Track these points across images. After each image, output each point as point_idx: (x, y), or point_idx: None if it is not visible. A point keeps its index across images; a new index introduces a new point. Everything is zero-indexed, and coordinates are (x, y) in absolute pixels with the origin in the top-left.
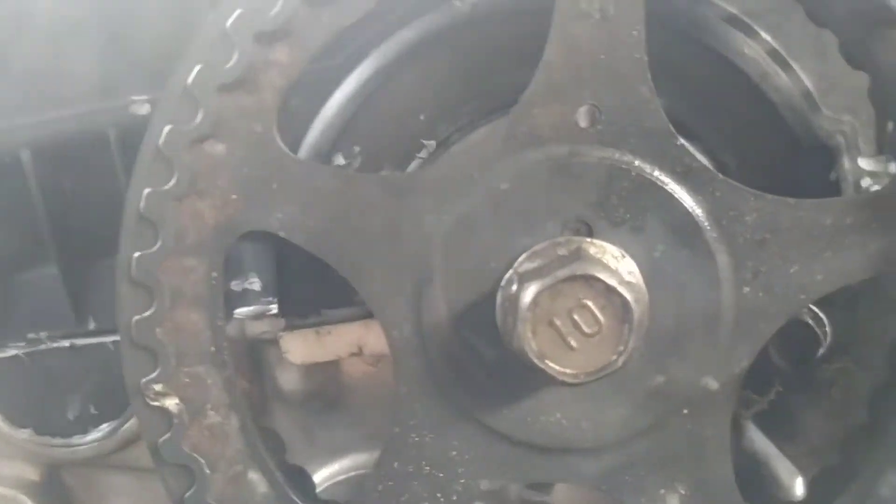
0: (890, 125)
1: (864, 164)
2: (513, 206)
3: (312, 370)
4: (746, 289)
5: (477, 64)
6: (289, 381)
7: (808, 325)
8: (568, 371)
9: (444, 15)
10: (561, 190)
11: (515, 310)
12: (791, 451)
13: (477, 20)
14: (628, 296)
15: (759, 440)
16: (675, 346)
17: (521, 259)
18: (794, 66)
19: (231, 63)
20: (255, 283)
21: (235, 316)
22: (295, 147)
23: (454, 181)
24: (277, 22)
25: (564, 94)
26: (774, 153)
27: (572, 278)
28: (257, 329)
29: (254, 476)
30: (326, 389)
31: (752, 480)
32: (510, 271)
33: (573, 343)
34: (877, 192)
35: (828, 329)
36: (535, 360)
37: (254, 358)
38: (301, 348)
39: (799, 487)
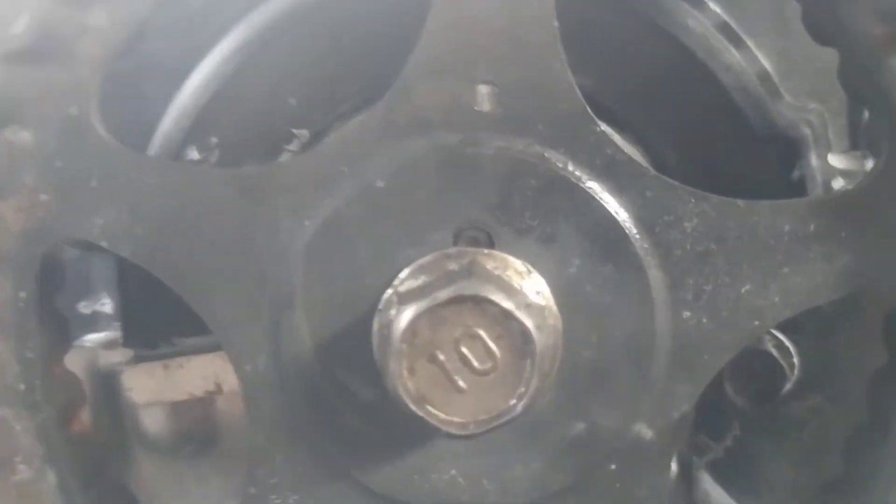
0: (865, 113)
1: (835, 160)
2: (392, 209)
3: (180, 408)
4: (687, 313)
5: (360, 36)
6: (152, 421)
7: (770, 355)
8: (455, 420)
9: None
10: (452, 189)
11: (388, 341)
12: None
13: None
14: (528, 323)
15: (715, 494)
16: (598, 385)
17: (402, 275)
18: (749, 41)
19: (21, 27)
20: (105, 305)
21: (84, 344)
22: (146, 142)
23: (319, 178)
24: None
25: (454, 70)
26: (724, 147)
27: (458, 300)
28: (111, 359)
29: None
30: (198, 430)
31: None
32: (389, 291)
33: (461, 383)
34: (845, 191)
35: (795, 360)
36: (413, 406)
37: (109, 394)
38: (146, 385)
39: None
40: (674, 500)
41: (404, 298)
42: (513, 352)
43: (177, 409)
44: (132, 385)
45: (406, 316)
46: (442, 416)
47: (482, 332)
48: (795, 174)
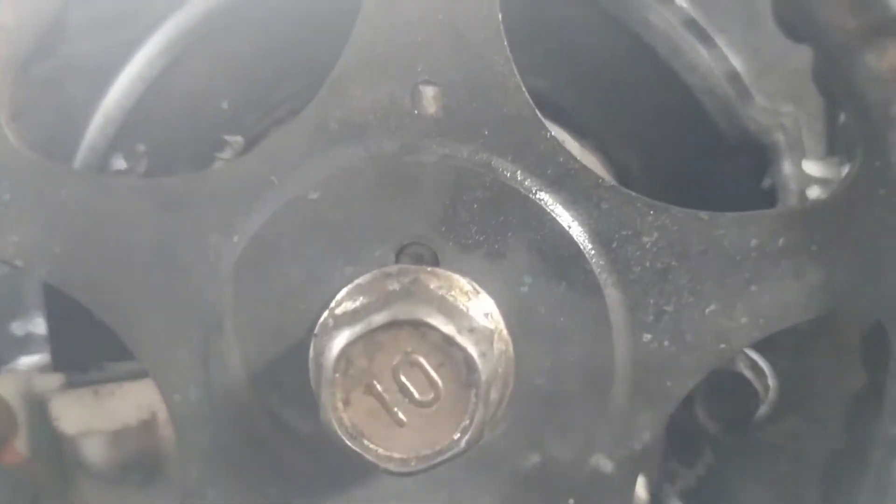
0: (842, 116)
1: (810, 167)
2: (327, 224)
3: (122, 439)
4: (647, 335)
5: (297, 33)
6: (92, 451)
7: (743, 377)
8: (394, 455)
9: None
10: (392, 201)
11: (321, 369)
12: None
13: None
14: (472, 349)
15: None
16: (553, 414)
17: (339, 296)
18: (718, 39)
19: None
20: (39, 326)
21: (17, 367)
22: (72, 151)
23: (247, 190)
24: None
25: (390, 68)
26: (690, 154)
27: (395, 325)
28: (47, 384)
29: None
30: (142, 460)
31: None
32: (325, 313)
33: (401, 416)
34: (815, 202)
35: (770, 381)
36: (348, 441)
37: (45, 421)
38: (76, 414)
39: None
40: None
41: (340, 322)
42: (456, 381)
43: (116, 437)
44: (60, 414)
45: (339, 342)
46: (380, 451)
47: (422, 360)
48: (766, 182)
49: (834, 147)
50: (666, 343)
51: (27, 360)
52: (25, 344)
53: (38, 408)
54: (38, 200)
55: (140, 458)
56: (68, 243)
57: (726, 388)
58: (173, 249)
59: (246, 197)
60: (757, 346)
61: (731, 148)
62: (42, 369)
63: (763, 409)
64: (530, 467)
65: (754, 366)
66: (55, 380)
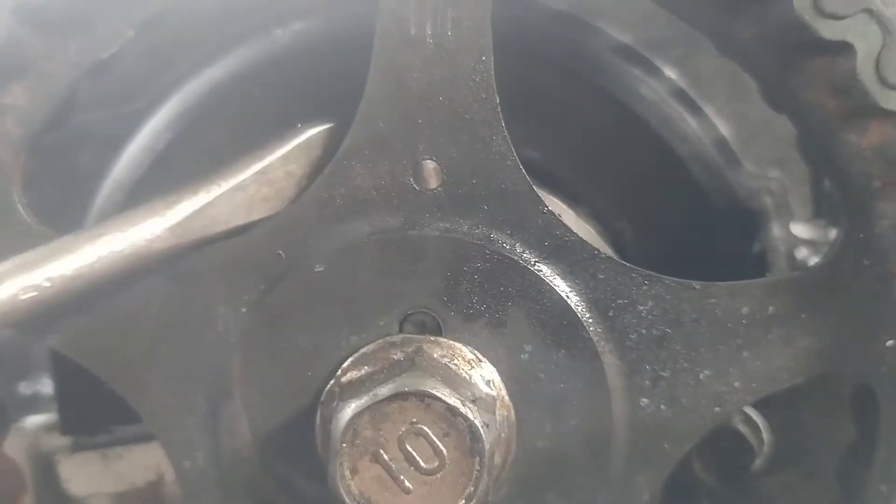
0: (826, 182)
1: (798, 230)
2: (333, 295)
3: (128, 496)
4: (644, 400)
5: (300, 105)
6: None
7: (738, 431)
8: None
9: (261, 47)
10: (396, 273)
11: (330, 438)
12: None
13: (300, 52)
14: (476, 419)
15: None
16: (554, 477)
17: (345, 365)
18: (706, 109)
19: None
20: (46, 385)
21: (24, 426)
22: (82, 218)
23: (255, 262)
24: None
25: (393, 147)
26: (681, 220)
27: (401, 396)
28: (53, 443)
29: None
30: None
31: None
32: (331, 382)
33: (407, 483)
34: (804, 272)
35: (765, 435)
36: None
37: (52, 480)
38: (84, 476)
39: None
40: None
41: (346, 391)
42: (461, 449)
43: (123, 499)
44: (69, 476)
45: (346, 413)
46: None
47: (427, 429)
48: (756, 247)
49: (820, 209)
50: (663, 407)
51: (34, 420)
52: (33, 403)
53: (45, 467)
54: None
55: None
56: (77, 315)
57: (722, 442)
58: (182, 320)
59: (254, 270)
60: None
61: (721, 213)
62: (49, 428)
63: (758, 463)
64: None
65: (749, 420)
66: (62, 439)
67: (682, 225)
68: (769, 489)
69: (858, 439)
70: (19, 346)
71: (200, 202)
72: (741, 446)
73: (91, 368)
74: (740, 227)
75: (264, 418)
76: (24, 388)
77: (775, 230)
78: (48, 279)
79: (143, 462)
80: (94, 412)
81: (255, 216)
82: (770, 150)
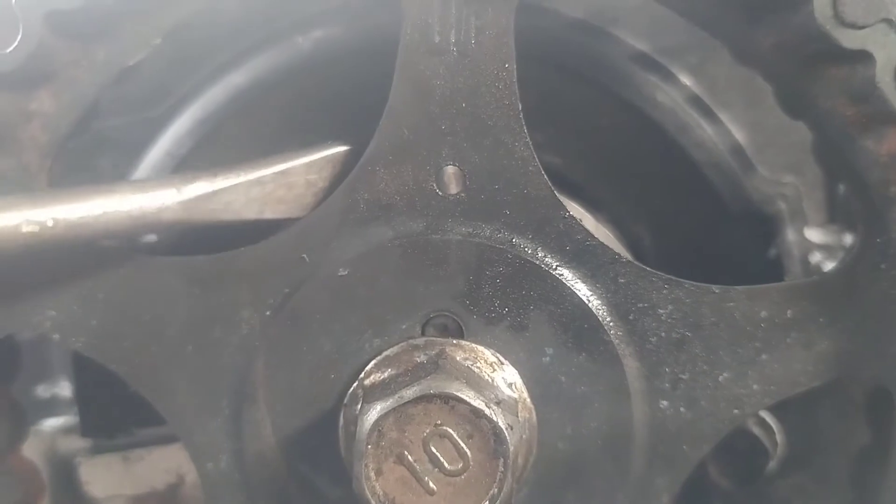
0: (842, 186)
1: (812, 235)
2: (356, 298)
3: (148, 499)
4: (664, 402)
5: (321, 113)
6: None
7: (753, 434)
8: None
9: (282, 54)
10: (419, 276)
11: (354, 440)
12: None
13: (322, 60)
14: (500, 421)
15: None
16: (574, 478)
17: (368, 368)
18: (721, 115)
19: None
20: (65, 388)
21: (42, 429)
22: None
23: (279, 266)
24: (18, 60)
25: (417, 153)
26: (698, 225)
27: (425, 399)
28: (70, 446)
29: None
30: None
31: None
32: (354, 384)
33: (431, 485)
34: (822, 276)
35: (779, 438)
36: None
37: (69, 483)
38: (105, 479)
39: None
40: None
41: (370, 394)
42: (485, 451)
43: (141, 501)
44: (90, 479)
45: (371, 416)
46: None
47: (452, 431)
48: (772, 252)
49: (834, 215)
50: (682, 409)
51: (52, 422)
52: (51, 407)
53: (63, 469)
54: (75, 276)
55: None
56: (105, 317)
57: (736, 444)
58: (207, 324)
59: (278, 274)
60: None
61: (736, 219)
62: (67, 431)
63: (772, 465)
64: None
65: (763, 423)
66: (81, 441)
67: (698, 230)
68: (782, 492)
69: (873, 443)
70: (38, 349)
71: (217, 186)
72: (755, 449)
73: (116, 371)
74: (756, 232)
75: (287, 421)
76: (43, 391)
77: (790, 235)
78: (53, 219)
79: (164, 465)
80: (114, 414)
81: (268, 214)
82: (785, 156)
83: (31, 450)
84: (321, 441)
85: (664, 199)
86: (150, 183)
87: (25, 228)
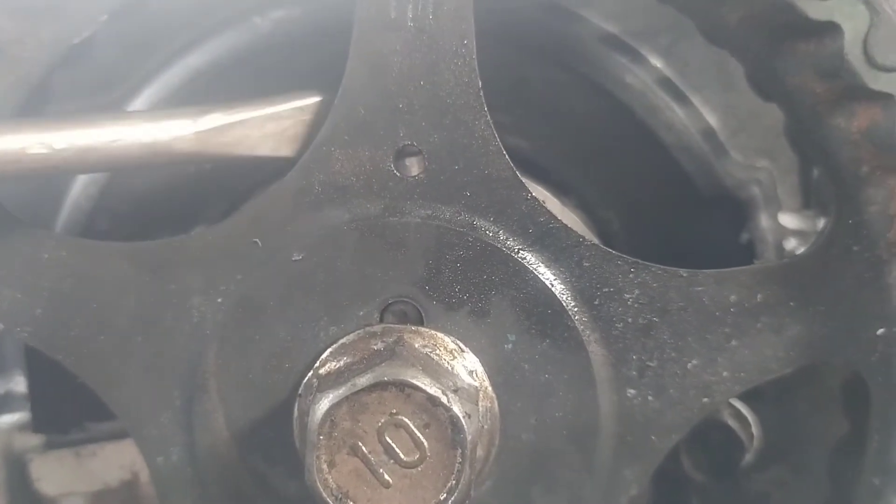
0: (815, 171)
1: (786, 220)
2: (312, 284)
3: (103, 495)
4: (631, 391)
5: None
6: None
7: (728, 426)
8: None
9: (240, 35)
10: (377, 261)
11: (305, 431)
12: None
13: (280, 40)
14: (458, 410)
15: None
16: (539, 470)
17: (324, 356)
18: (693, 97)
19: None
20: (20, 384)
21: None
22: (56, 210)
23: (231, 252)
24: None
25: (373, 132)
26: (668, 210)
27: (380, 386)
28: (27, 443)
29: None
30: None
31: None
32: (309, 374)
33: (386, 477)
34: (792, 259)
35: (755, 430)
36: (333, 503)
37: (25, 482)
38: (57, 475)
39: None
40: None
41: (324, 383)
42: (442, 441)
43: (97, 499)
44: (41, 475)
45: (323, 405)
46: None
47: (408, 421)
48: (744, 237)
49: (809, 200)
50: (650, 398)
51: (7, 419)
52: (5, 402)
53: (18, 467)
54: (20, 263)
55: None
56: (50, 306)
57: (712, 437)
58: (157, 311)
59: (230, 259)
60: (741, 396)
61: (708, 203)
62: (21, 428)
63: (748, 458)
64: None
65: (738, 415)
66: (35, 438)
67: (669, 215)
68: (760, 485)
69: (850, 433)
70: None
71: (233, 118)
72: (731, 442)
73: (63, 362)
74: (728, 217)
75: (241, 413)
76: None
77: (764, 221)
78: (64, 142)
79: (118, 461)
80: (67, 409)
81: (283, 152)
82: (758, 141)
83: None
84: (276, 433)
85: (633, 183)
86: (164, 112)
87: (32, 151)
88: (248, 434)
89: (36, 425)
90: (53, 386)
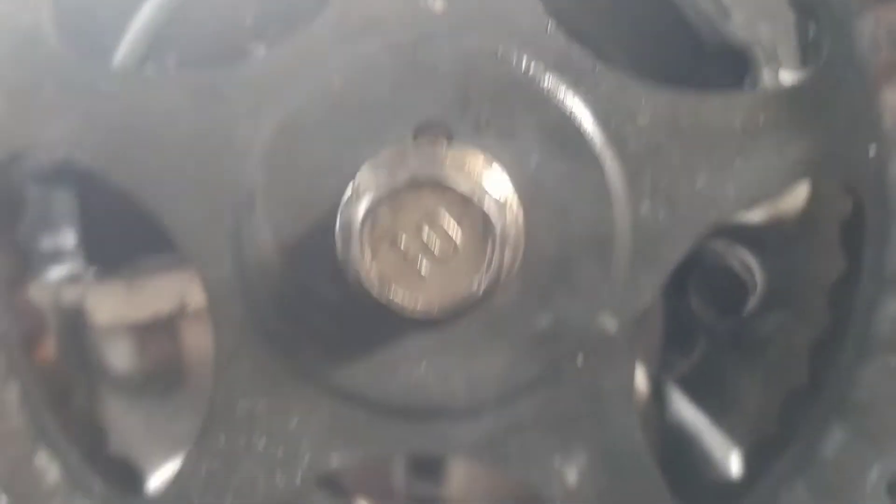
0: (811, 32)
1: (786, 77)
2: (350, 109)
3: (147, 343)
4: (644, 206)
5: None
6: (117, 358)
7: (733, 271)
8: (418, 302)
9: None
10: (410, 87)
11: (350, 232)
12: (724, 421)
13: None
14: (489, 206)
15: (685, 409)
16: (561, 276)
17: (362, 171)
18: None
19: None
20: (68, 240)
21: (48, 279)
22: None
23: (275, 81)
24: None
25: None
26: (676, 56)
27: (416, 185)
28: (74, 295)
29: (42, 462)
30: (166, 368)
31: (677, 458)
32: (349, 188)
33: (424, 267)
34: (793, 85)
35: (757, 276)
36: (377, 291)
37: (74, 331)
38: (108, 305)
39: (734, 464)
40: (646, 419)
41: (364, 191)
42: (474, 234)
43: (142, 339)
44: (94, 305)
45: (364, 203)
46: (406, 299)
47: (442, 216)
48: (747, 81)
49: (807, 61)
50: (661, 212)
51: (57, 271)
52: (55, 257)
53: (68, 316)
54: (78, 94)
55: (163, 366)
56: (109, 133)
57: (718, 281)
58: (207, 136)
59: (274, 88)
60: (745, 245)
61: (713, 54)
62: (70, 280)
63: (752, 302)
64: (541, 326)
65: (743, 262)
66: (84, 289)
67: (676, 61)
68: (763, 328)
69: (846, 269)
70: (42, 202)
71: None
72: (736, 285)
73: (121, 186)
74: (731, 68)
75: (285, 227)
76: (47, 244)
77: (765, 76)
78: None
79: (166, 290)
80: (117, 249)
81: None
82: (758, 4)
83: (36, 297)
84: (318, 245)
85: (641, 30)
86: None
87: None
88: (293, 246)
89: (88, 258)
90: (105, 231)
